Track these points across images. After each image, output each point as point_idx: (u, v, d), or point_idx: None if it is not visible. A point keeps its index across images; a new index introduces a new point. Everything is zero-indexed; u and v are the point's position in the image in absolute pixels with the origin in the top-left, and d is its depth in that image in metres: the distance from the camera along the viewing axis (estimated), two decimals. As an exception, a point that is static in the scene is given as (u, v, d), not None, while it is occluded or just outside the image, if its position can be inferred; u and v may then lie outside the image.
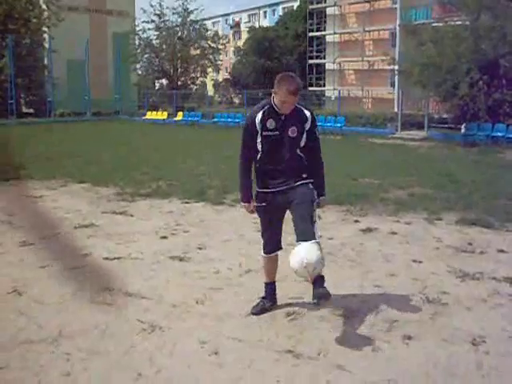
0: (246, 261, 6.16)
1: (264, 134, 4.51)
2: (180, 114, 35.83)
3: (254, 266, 5.93)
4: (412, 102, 28.93)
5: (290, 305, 4.92)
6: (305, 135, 4.57)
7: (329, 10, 47.97)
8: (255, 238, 7.07)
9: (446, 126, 25.06)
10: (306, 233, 4.32)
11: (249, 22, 75.89)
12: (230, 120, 32.15)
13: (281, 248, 4.88)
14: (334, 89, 43.88)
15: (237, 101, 57.81)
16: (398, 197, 9.79)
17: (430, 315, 4.72)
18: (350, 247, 6.71)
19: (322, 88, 48.92)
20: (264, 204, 4.67)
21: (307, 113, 4.58)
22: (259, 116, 4.51)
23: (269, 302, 4.89)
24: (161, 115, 36.53)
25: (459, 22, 24.23)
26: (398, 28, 38.08)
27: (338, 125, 26.79)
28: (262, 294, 4.96)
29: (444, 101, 24.51)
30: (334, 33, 46.92)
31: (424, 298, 5.06)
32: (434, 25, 26.36)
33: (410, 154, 18.20)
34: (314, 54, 50.58)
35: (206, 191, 10.30)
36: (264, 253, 4.87)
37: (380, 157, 16.71)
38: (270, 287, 4.92)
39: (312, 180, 4.63)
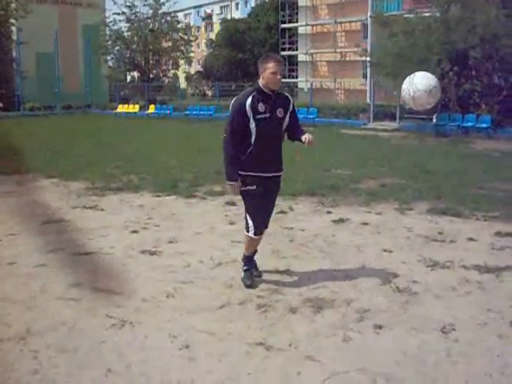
0: (217, 254, 6.12)
1: (257, 117, 4.77)
2: (152, 106, 35.52)
3: (225, 259, 5.92)
4: (384, 93, 29.08)
5: (260, 297, 4.90)
6: (287, 116, 4.94)
7: (300, 2, 47.90)
8: (227, 230, 7.09)
9: (418, 116, 25.23)
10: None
11: (221, 13, 75.57)
12: (202, 113, 31.97)
13: (267, 227, 5.20)
14: (307, 80, 43.96)
15: (209, 93, 57.64)
16: (369, 187, 9.85)
17: (401, 304, 4.75)
18: (321, 238, 6.72)
19: (295, 80, 48.98)
20: (255, 187, 4.88)
21: (288, 96, 5.09)
22: (249, 101, 4.76)
23: (255, 270, 5.28)
24: (132, 108, 36.20)
25: (430, 14, 24.40)
26: (369, 19, 38.18)
27: (311, 116, 26.79)
28: (235, 286, 4.95)
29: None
30: (306, 24, 46.89)
31: (395, 287, 5.09)
32: (405, 16, 26.48)
33: (383, 144, 18.30)
34: (287, 45, 50.51)
35: (178, 184, 10.23)
36: (254, 234, 5.01)
37: (352, 148, 16.77)
38: (251, 258, 5.22)
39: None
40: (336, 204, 8.60)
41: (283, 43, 50.69)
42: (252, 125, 4.77)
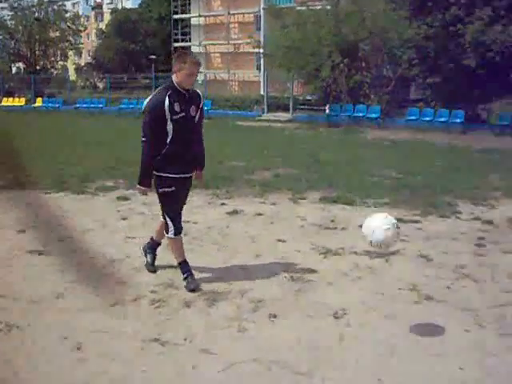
0: (110, 251, 5.94)
1: (174, 118, 4.63)
2: (39, 100, 34.11)
3: (118, 255, 5.76)
4: (277, 84, 29.50)
5: (154, 292, 4.82)
6: (199, 113, 4.87)
7: (193, -7, 47.63)
8: (119, 226, 6.91)
9: (311, 107, 25.82)
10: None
11: (111, 3, 73.55)
12: (92, 106, 31.16)
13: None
14: (200, 72, 43.75)
15: (101, 85, 56.03)
16: (263, 178, 9.94)
17: (295, 292, 4.82)
18: (216, 230, 6.71)
19: (189, 71, 48.55)
20: (173, 188, 4.80)
21: (198, 91, 4.98)
22: (166, 103, 4.60)
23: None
24: (18, 101, 34.59)
25: (321, 7, 24.95)
26: (262, 11, 38.52)
27: (205, 108, 26.64)
28: (128, 283, 4.83)
29: (308, 83, 25.26)
30: (199, 15, 46.67)
31: (289, 276, 5.17)
32: (297, 9, 26.95)
33: (276, 135, 18.58)
34: (180, 36, 50.07)
35: (67, 180, 9.85)
36: (174, 235, 4.92)
37: (246, 139, 16.89)
38: (186, 264, 5.02)
39: None
40: (230, 196, 8.62)
41: (176, 34, 50.19)
42: (169, 126, 4.64)
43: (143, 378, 3.53)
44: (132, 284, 5.02)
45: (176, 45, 49.82)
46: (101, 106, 30.17)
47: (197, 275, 5.08)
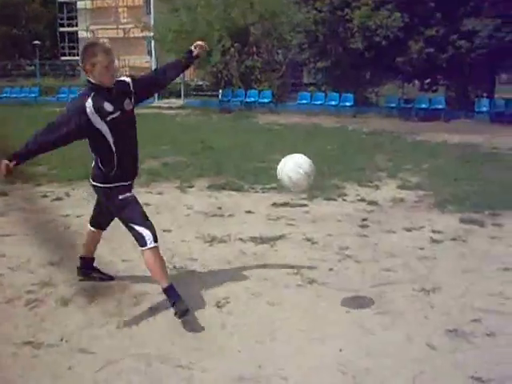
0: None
1: (108, 119, 3.93)
2: None
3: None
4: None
5: (30, 292, 4.58)
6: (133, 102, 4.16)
7: (79, -25, 45.95)
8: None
9: (205, 93, 25.68)
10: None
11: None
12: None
13: None
14: (89, 58, 42.35)
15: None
16: (151, 167, 9.69)
17: (177, 283, 4.73)
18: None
19: (76, 57, 46.89)
20: (130, 193, 4.16)
21: (126, 79, 4.19)
22: (90, 105, 3.88)
23: (183, 302, 4.08)
24: None
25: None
26: (151, -6, 37.74)
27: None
28: (4, 284, 4.59)
29: (199, 68, 25.07)
30: (86, -1, 45.15)
31: (172, 266, 5.08)
32: (187, -9, 26.59)
33: (167, 122, 18.32)
34: (65, 21, 48.22)
35: None
36: (154, 241, 4.05)
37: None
38: (172, 287, 4.14)
39: None
40: (116, 186, 8.37)
41: (61, 19, 48.30)
42: (103, 128, 3.93)
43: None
44: (7, 285, 4.75)
45: (62, 29, 47.99)
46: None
47: (76, 271, 4.89)
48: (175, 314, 4.00)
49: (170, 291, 4.10)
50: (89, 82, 3.98)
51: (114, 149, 4.02)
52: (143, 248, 4.04)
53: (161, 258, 4.14)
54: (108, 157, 4.05)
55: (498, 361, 3.60)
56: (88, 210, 6.97)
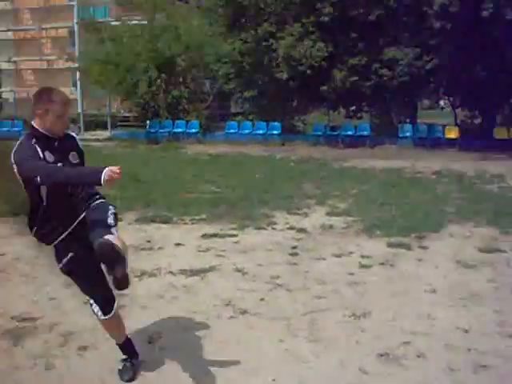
0: None
1: None
2: None
3: None
4: (95, 101, 28.73)
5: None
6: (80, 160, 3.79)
7: (-1, 5, 44.89)
8: None
9: (132, 124, 25.46)
10: None
11: None
12: None
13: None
14: (11, 90, 41.30)
15: None
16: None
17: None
18: (24, 261, 6.28)
19: (-4, 90, 45.65)
20: (72, 254, 3.76)
21: (71, 133, 3.84)
22: (39, 150, 3.49)
23: (135, 358, 3.95)
24: None
25: (137, 22, 24.73)
26: (76, 26, 37.33)
27: (17, 129, 25.10)
28: None
29: (126, 99, 24.89)
30: (8, 30, 44.08)
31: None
32: (113, 23, 26.46)
33: (94, 155, 17.85)
34: (-14, 52, 46.91)
35: None
36: (101, 316, 3.73)
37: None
38: (128, 343, 3.96)
39: None
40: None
41: (-18, 50, 46.93)
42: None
43: None
44: None
45: (-18, 61, 46.61)
46: None
47: (2, 311, 4.70)
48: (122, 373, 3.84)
49: (124, 345, 3.94)
50: (32, 127, 3.59)
51: (44, 210, 3.66)
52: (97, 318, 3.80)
53: (117, 325, 3.88)
54: (40, 215, 3.70)
55: (429, 382, 3.70)
56: (14, 247, 6.84)
